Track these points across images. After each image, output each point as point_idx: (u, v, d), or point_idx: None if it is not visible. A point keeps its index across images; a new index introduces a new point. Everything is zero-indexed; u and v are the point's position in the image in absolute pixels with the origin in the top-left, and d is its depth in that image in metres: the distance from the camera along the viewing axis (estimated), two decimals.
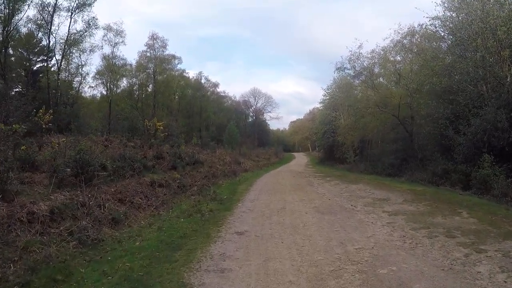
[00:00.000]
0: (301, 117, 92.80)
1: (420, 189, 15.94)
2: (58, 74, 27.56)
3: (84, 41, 30.08)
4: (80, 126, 23.41)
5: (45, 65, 28.15)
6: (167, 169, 15.03)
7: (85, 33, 28.71)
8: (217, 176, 18.87)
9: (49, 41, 26.68)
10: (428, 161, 23.17)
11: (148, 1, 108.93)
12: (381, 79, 30.44)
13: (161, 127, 17.23)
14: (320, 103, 49.27)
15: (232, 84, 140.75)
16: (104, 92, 38.24)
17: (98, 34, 44.80)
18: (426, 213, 10.76)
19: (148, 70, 42.08)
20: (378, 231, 8.62)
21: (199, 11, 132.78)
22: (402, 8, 60.27)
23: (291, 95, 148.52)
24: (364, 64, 29.15)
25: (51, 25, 26.65)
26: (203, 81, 54.40)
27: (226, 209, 11.31)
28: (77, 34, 28.42)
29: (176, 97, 48.64)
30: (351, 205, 12.13)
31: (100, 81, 37.28)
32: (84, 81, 34.24)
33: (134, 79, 42.25)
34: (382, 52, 28.31)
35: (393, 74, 28.10)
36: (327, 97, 45.99)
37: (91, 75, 37.24)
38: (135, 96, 42.96)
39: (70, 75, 33.16)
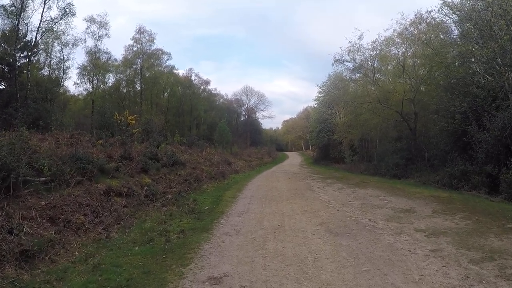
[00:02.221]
0: (295, 116, 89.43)
1: (445, 195, 12.85)
2: (28, 66, 24.08)
3: (66, 34, 27.50)
4: (50, 123, 20.21)
5: (16, 56, 24.61)
6: (135, 172, 11.76)
7: (61, 21, 25.38)
8: (201, 179, 15.57)
9: (18, 29, 23.18)
10: (436, 160, 20.40)
11: (142, 1, 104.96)
12: (382, 73, 27.32)
13: (133, 121, 13.96)
14: (315, 100, 46.19)
15: (227, 84, 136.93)
16: (91, 90, 35.02)
17: (81, 26, 41.58)
18: (472, 231, 7.76)
19: (135, 66, 38.71)
20: (425, 268, 5.57)
21: (194, 11, 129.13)
22: (400, 6, 57.31)
23: (285, 95, 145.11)
24: (365, 55, 26.09)
25: (21, 11, 23.30)
26: (193, 78, 50.97)
27: (204, 228, 8.01)
28: (51, 22, 25.08)
29: (166, 94, 45.26)
30: (369, 220, 9.02)
31: (85, 77, 34.14)
32: (65, 76, 31.06)
33: (120, 75, 39.00)
34: (384, 43, 25.26)
35: (396, 67, 25.09)
36: (322, 94, 43.04)
37: (75, 72, 34.36)
38: (123, 93, 39.69)
39: (51, 70, 30.23)
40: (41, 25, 24.27)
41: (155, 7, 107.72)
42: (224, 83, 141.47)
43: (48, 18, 24.64)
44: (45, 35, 25.47)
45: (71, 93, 35.42)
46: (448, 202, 11.36)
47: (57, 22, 25.30)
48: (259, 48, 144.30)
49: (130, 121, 13.84)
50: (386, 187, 15.51)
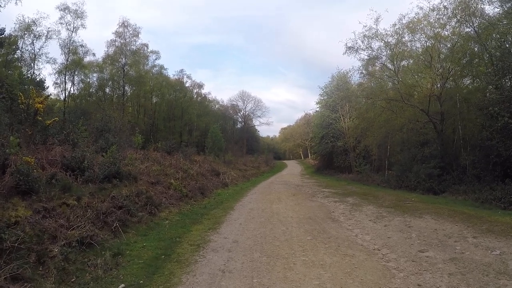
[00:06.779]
0: (292, 124, 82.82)
1: None
2: None
3: (38, 24, 22.08)
4: None
5: None
6: (2, 195, 5.68)
7: None
8: (160, 202, 9.19)
9: None
10: (477, 169, 14.77)
11: (139, 9, 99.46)
12: (404, 64, 21.31)
13: (41, 105, 7.97)
14: (317, 103, 39.91)
15: (224, 92, 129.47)
16: (72, 90, 29.35)
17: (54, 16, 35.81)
18: None
19: (117, 64, 32.63)
20: None
21: (191, 19, 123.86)
22: (393, 16, 51.68)
23: (283, 103, 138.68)
24: (385, 40, 20.22)
25: None
26: (185, 80, 44.67)
27: None
28: None
29: (155, 98, 39.13)
30: None
31: (66, 76, 28.25)
32: (38, 72, 25.41)
33: (102, 74, 33.01)
34: (409, 26, 19.35)
35: (423, 54, 19.20)
36: (325, 97, 37.05)
37: (50, 68, 28.87)
38: (109, 94, 33.85)
39: (22, 65, 24.71)
40: None
41: (152, 15, 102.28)
42: (221, 91, 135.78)
43: None
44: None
45: (54, 94, 29.49)
46: None
47: None
48: (257, 56, 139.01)
49: (36, 105, 7.84)
50: (449, 213, 9.35)
